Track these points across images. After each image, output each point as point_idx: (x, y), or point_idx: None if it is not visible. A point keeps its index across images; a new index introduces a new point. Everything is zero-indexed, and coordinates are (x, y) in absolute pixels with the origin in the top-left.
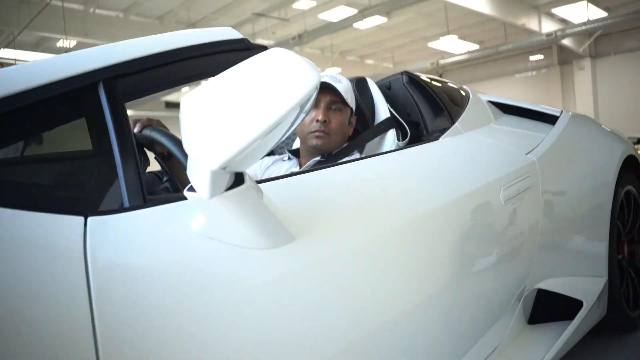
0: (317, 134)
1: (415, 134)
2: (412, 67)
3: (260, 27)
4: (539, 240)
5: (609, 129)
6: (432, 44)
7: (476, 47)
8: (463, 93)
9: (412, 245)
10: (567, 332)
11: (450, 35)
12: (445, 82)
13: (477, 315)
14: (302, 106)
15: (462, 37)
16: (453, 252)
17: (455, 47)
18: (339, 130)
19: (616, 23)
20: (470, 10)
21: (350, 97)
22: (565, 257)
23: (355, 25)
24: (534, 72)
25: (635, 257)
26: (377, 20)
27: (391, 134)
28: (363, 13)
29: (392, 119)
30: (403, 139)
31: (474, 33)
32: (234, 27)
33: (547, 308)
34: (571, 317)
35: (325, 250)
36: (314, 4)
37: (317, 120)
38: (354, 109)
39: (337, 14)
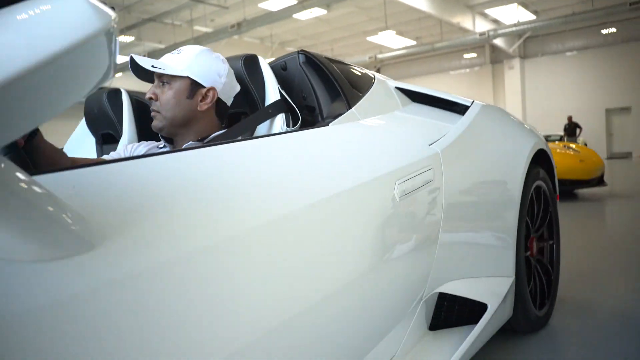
0: (152, 114)
1: (310, 119)
2: (351, 60)
3: (198, 13)
4: (441, 239)
5: (520, 122)
6: (371, 39)
7: (413, 43)
8: (367, 77)
9: (283, 245)
10: (470, 338)
11: (388, 30)
12: (348, 65)
13: (369, 322)
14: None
15: (399, 33)
16: (337, 253)
17: (393, 42)
18: (169, 106)
19: (543, 26)
20: (409, 6)
21: (185, 65)
22: (469, 257)
23: (295, 15)
24: (468, 70)
25: (544, 253)
26: (317, 12)
27: (280, 119)
28: (303, 4)
29: (282, 102)
30: (294, 125)
31: (411, 29)
32: (171, 12)
33: (450, 313)
34: (475, 321)
35: (147, 258)
36: None
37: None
38: (199, 80)
39: (277, 3)
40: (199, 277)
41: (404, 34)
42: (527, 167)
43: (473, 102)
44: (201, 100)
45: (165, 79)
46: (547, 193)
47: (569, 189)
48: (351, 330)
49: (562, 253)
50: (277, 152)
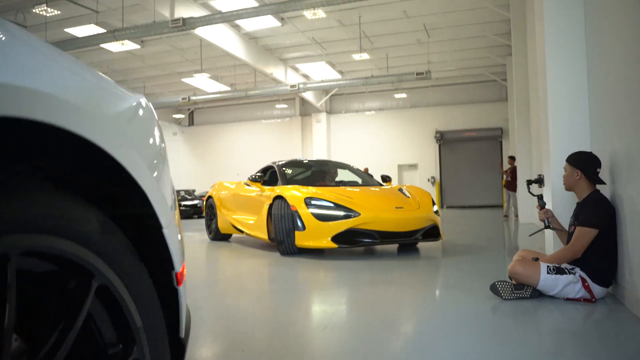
0: None
1: None
2: (163, 100)
3: None
4: None
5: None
6: (186, 80)
7: (228, 88)
8: None
9: None
10: None
11: (203, 73)
12: None
13: None
14: None
15: (214, 78)
16: None
17: (207, 85)
18: None
19: (346, 84)
20: (225, 52)
21: None
22: None
23: (105, 46)
24: (279, 120)
25: None
26: (130, 45)
27: None
28: (114, 34)
29: None
30: None
31: (226, 75)
32: None
33: None
34: None
35: None
36: (58, 13)
37: None
38: None
39: (85, 31)
40: None
41: (219, 79)
42: None
43: None
44: None
45: None
46: (116, 291)
47: (384, 242)
48: None
49: None
50: None
